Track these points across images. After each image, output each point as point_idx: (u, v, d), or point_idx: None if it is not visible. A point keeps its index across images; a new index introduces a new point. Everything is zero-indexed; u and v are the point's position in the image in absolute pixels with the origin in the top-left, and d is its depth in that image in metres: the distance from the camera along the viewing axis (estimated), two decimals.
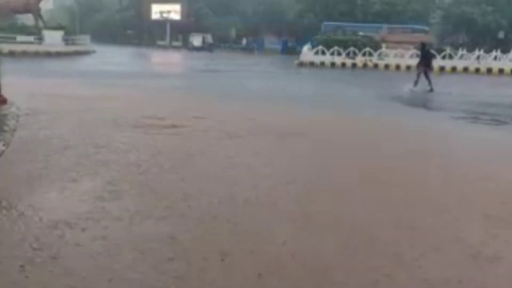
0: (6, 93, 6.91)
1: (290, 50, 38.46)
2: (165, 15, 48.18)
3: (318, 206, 3.35)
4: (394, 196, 3.68)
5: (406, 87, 12.67)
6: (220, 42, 45.32)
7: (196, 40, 42.14)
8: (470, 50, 23.79)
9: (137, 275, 2.25)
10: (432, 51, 15.34)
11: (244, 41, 43.13)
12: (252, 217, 3.08)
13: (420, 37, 25.81)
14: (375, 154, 5.14)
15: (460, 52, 23.68)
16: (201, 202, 3.29)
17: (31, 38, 23.91)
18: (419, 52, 22.52)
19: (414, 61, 22.16)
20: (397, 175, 4.30)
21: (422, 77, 12.70)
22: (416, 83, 12.48)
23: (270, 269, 2.37)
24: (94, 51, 27.84)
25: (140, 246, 2.54)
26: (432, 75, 12.86)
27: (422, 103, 10.37)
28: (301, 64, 22.77)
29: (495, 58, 22.77)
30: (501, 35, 36.08)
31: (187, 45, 44.72)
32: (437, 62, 22.19)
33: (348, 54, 22.93)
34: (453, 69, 21.89)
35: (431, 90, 12.31)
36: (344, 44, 23.53)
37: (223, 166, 4.28)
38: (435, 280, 2.34)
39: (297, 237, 2.79)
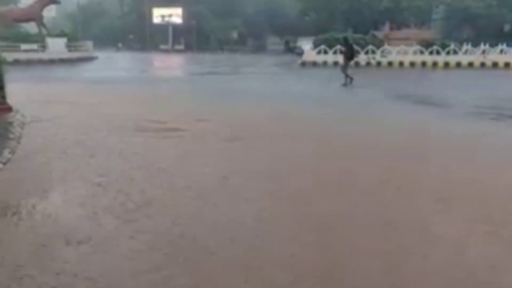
0: (11, 101, 6.96)
1: (291, 50, 38.39)
2: (166, 18, 48.39)
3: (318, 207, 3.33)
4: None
5: (340, 83, 12.84)
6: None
7: (305, 44, 33.52)
8: (475, 44, 23.55)
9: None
10: (356, 47, 15.42)
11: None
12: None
13: (422, 34, 25.67)
14: (380, 154, 5.10)
15: (464, 47, 23.47)
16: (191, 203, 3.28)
17: (34, 46, 24.07)
18: (415, 48, 22.54)
19: (418, 58, 22.19)
20: (396, 175, 4.26)
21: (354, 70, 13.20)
22: (348, 77, 12.80)
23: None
24: (96, 57, 27.97)
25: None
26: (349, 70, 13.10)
27: (426, 100, 10.27)
28: (304, 64, 22.74)
29: (501, 51, 22.53)
30: (506, 28, 35.76)
31: (186, 48, 44.44)
32: (441, 58, 22.08)
33: None
34: (458, 64, 21.73)
35: (345, 84, 12.77)
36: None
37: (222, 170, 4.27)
38: None
39: (296, 237, 2.78)
